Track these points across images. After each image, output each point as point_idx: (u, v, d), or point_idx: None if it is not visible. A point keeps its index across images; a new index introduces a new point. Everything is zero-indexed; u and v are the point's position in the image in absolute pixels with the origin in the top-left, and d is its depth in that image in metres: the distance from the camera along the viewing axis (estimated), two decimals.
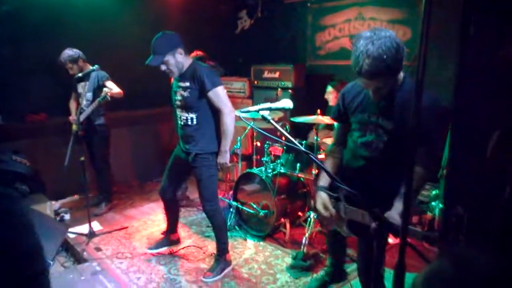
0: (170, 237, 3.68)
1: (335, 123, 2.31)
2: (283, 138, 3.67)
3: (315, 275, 3.20)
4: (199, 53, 4.67)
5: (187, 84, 2.90)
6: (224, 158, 3.06)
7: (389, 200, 1.86)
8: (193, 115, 2.97)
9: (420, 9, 4.05)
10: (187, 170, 3.28)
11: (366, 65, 1.67)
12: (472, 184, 1.23)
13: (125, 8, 4.95)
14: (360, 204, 1.87)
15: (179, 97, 2.99)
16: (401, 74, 1.86)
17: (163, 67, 2.85)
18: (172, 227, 3.68)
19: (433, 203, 3.61)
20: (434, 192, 3.63)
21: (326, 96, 4.16)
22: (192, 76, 2.88)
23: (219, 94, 2.90)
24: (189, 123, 2.99)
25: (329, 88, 4.11)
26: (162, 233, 3.82)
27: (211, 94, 2.87)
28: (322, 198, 2.13)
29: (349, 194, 1.85)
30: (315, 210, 2.27)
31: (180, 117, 3.05)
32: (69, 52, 4.08)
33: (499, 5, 1.15)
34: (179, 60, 2.85)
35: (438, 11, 3.74)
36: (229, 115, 2.95)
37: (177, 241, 3.73)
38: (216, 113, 2.99)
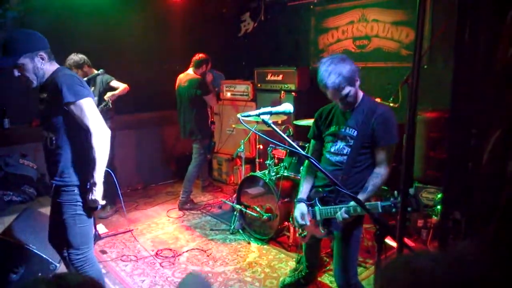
0: None
1: (311, 141, 2.64)
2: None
3: (289, 271, 3.30)
4: (201, 55, 4.69)
5: (45, 95, 2.29)
6: (94, 193, 2.29)
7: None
8: (52, 135, 2.29)
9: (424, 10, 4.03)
10: None
11: (329, 80, 2.17)
12: (470, 188, 1.23)
13: (129, 12, 5.01)
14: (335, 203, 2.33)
15: (39, 111, 2.38)
16: (360, 93, 2.34)
17: (16, 73, 2.20)
18: None
19: (438, 207, 3.58)
20: (439, 196, 3.60)
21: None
22: (51, 86, 2.24)
23: (84, 109, 2.22)
24: (48, 144, 2.31)
25: None
26: None
27: (72, 108, 2.21)
28: (301, 209, 2.45)
29: (323, 197, 2.39)
30: (294, 221, 2.57)
31: (42, 137, 2.37)
32: (74, 58, 4.12)
33: (493, 6, 1.16)
34: (38, 66, 2.22)
35: (442, 14, 3.75)
36: (99, 135, 2.25)
37: None
38: (83, 131, 2.30)
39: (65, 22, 4.52)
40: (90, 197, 2.29)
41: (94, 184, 2.28)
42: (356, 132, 2.30)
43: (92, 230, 2.49)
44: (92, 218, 2.46)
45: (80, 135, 2.31)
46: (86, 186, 2.32)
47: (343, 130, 2.36)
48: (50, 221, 2.52)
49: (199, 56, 4.69)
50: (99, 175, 2.29)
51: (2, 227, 3.18)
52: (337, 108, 2.43)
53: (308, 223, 2.43)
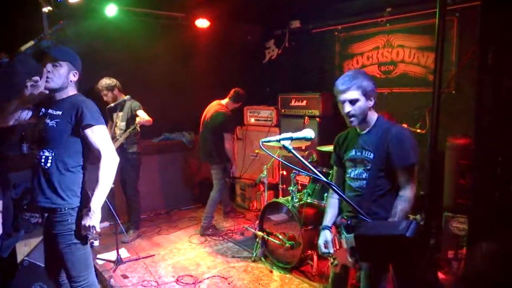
0: None
1: (334, 168, 2.59)
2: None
3: None
4: (243, 92, 4.70)
5: (59, 112, 2.30)
6: (91, 219, 2.21)
7: None
8: (49, 154, 2.26)
9: (449, 35, 3.94)
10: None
11: (341, 82, 2.21)
12: (496, 217, 1.15)
13: (155, 39, 5.13)
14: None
15: (40, 126, 2.33)
16: (375, 115, 2.29)
17: (49, 67, 2.27)
18: None
19: None
20: None
21: None
22: (70, 106, 2.31)
23: (100, 134, 2.31)
24: (42, 163, 2.27)
25: None
26: None
27: (89, 131, 2.28)
28: (325, 237, 2.39)
29: (348, 225, 2.25)
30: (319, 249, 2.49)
31: (36, 156, 2.31)
32: (107, 81, 4.33)
33: None
34: (68, 78, 2.34)
35: (470, 39, 3.68)
36: (108, 160, 2.29)
37: None
38: (86, 157, 2.38)
39: (95, 51, 4.68)
40: (86, 223, 2.21)
41: (94, 209, 2.22)
42: (372, 154, 2.25)
43: (90, 254, 2.42)
44: (89, 244, 2.38)
45: (79, 160, 2.34)
46: (81, 211, 2.28)
47: (359, 154, 2.31)
48: (46, 249, 2.48)
49: (241, 91, 4.71)
50: (98, 200, 2.24)
51: (28, 249, 3.24)
52: (353, 132, 2.40)
53: (332, 251, 2.35)
